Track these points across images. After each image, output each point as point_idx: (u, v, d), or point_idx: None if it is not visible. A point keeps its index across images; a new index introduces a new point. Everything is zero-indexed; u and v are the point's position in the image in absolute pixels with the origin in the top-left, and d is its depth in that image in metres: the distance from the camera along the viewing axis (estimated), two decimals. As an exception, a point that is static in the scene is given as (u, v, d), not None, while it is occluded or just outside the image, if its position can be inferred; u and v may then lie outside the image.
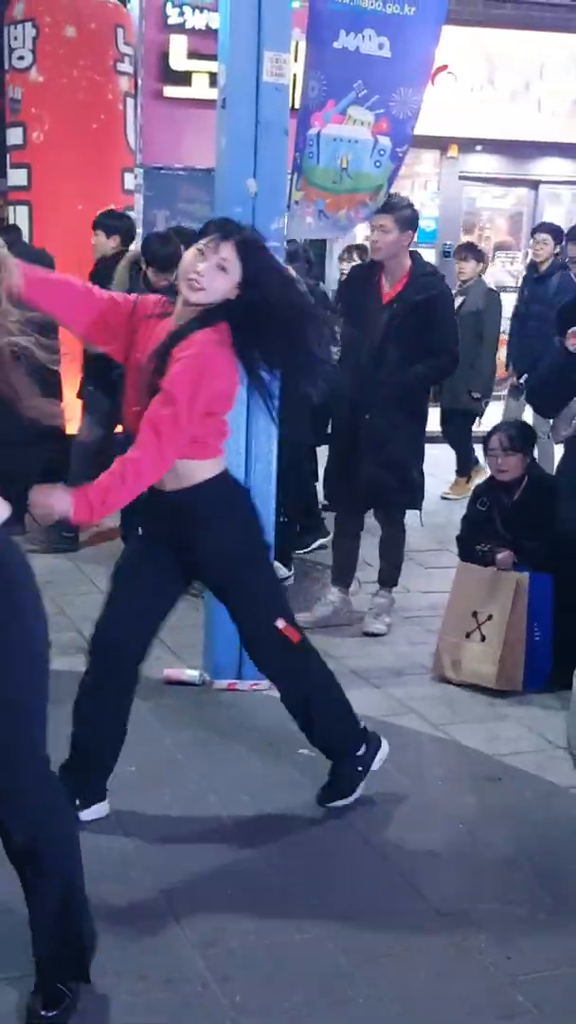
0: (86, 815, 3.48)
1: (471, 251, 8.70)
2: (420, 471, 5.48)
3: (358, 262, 7.72)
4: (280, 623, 3.53)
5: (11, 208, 8.61)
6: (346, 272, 8.24)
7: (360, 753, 3.77)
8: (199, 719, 4.39)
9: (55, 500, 3.02)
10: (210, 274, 3.17)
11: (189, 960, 2.90)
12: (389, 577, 5.66)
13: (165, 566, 3.47)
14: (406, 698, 4.73)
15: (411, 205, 5.22)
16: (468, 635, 4.91)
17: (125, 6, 9.76)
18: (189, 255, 3.22)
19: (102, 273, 6.58)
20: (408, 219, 5.19)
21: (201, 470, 3.32)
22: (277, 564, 4.71)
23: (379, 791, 3.85)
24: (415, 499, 5.50)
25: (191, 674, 4.73)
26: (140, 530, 3.52)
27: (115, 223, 7.25)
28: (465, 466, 8.63)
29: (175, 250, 5.95)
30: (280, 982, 2.85)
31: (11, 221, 8.35)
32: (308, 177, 4.62)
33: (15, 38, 8.47)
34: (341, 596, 5.64)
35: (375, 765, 3.79)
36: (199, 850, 3.45)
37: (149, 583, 3.50)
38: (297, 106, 4.74)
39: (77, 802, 3.38)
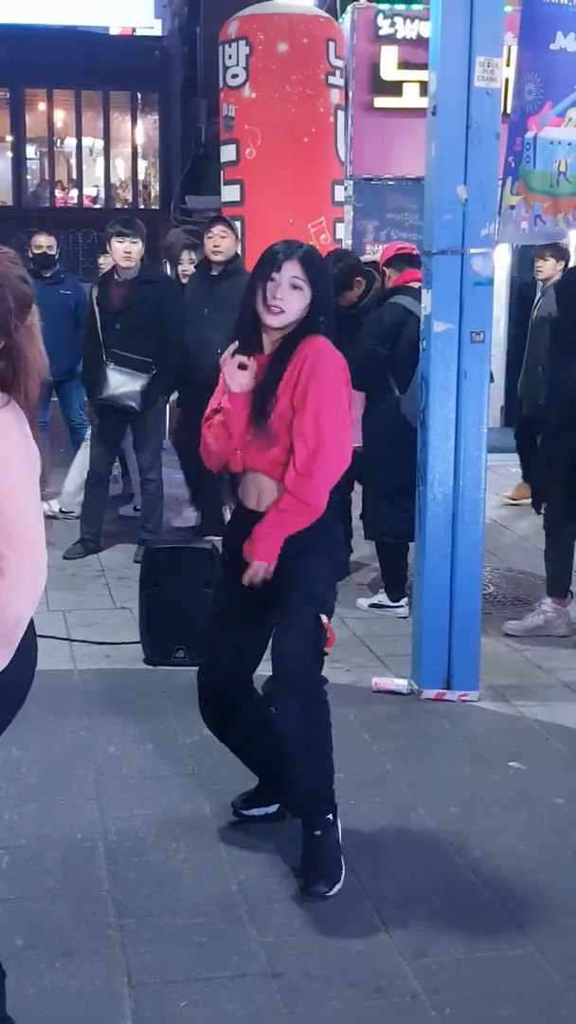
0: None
1: (551, 248, 7.88)
2: None
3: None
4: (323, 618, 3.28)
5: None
6: None
7: (335, 823, 3.35)
8: (407, 728, 4.38)
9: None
10: (287, 295, 3.17)
11: (398, 970, 2.88)
12: None
13: (255, 597, 3.30)
14: (621, 713, 4.59)
15: None
16: None
17: (337, 20, 9.86)
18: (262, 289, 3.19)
19: None
20: None
21: None
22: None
23: (593, 808, 3.76)
24: None
25: (399, 683, 4.71)
26: (227, 557, 3.40)
27: None
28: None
29: (343, 268, 5.93)
30: (490, 997, 2.80)
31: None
32: (526, 181, 4.55)
33: (229, 56, 8.67)
34: (555, 606, 5.51)
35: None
36: (407, 860, 3.44)
37: (248, 617, 3.37)
38: (509, 110, 4.68)
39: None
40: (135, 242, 6.47)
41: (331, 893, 3.20)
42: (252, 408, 3.22)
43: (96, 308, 6.64)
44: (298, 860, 3.32)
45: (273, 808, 3.62)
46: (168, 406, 7.76)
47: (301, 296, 3.20)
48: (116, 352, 6.46)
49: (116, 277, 6.60)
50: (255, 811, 3.62)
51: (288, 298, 3.18)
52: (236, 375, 3.22)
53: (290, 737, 3.25)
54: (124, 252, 6.46)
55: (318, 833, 3.28)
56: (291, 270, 3.18)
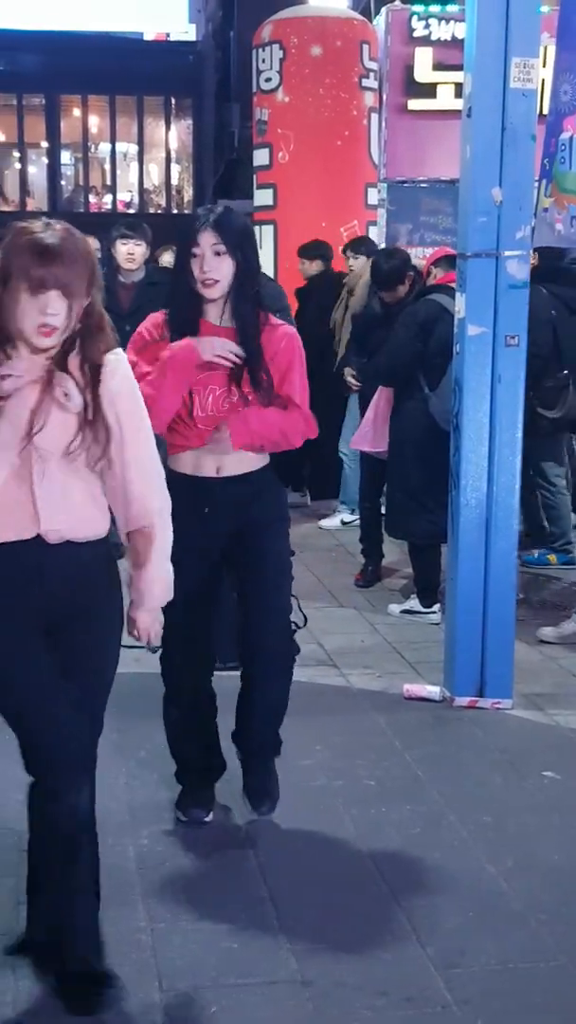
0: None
1: None
2: None
3: None
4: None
5: (256, 227, 8.80)
6: None
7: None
8: (439, 736, 4.34)
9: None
10: (212, 265, 3.29)
11: (430, 980, 2.85)
12: None
13: (212, 568, 3.54)
14: None
15: None
16: None
17: (371, 22, 9.84)
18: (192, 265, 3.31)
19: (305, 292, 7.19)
20: None
21: (263, 456, 3.52)
22: None
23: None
24: None
25: (431, 690, 4.68)
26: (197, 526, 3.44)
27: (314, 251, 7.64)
28: None
29: (396, 265, 5.99)
30: (522, 1009, 2.76)
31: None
32: (560, 183, 4.51)
33: (263, 60, 8.68)
34: None
35: None
36: (439, 868, 3.40)
37: (207, 595, 3.56)
38: (546, 112, 4.64)
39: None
40: (138, 244, 6.50)
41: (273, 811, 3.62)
42: (252, 381, 3.38)
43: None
44: (329, 868, 3.34)
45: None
46: None
47: (227, 261, 3.31)
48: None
49: (121, 279, 6.59)
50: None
51: (215, 267, 3.29)
52: (222, 346, 3.33)
53: (275, 700, 3.61)
54: (127, 254, 6.49)
55: (269, 764, 3.68)
56: (209, 239, 3.28)
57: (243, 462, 3.45)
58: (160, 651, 3.51)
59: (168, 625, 2.92)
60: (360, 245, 7.56)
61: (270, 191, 8.70)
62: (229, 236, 3.30)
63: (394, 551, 6.47)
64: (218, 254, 3.29)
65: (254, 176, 8.99)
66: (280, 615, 3.59)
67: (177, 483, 3.29)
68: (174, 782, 3.73)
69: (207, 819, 3.63)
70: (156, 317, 3.49)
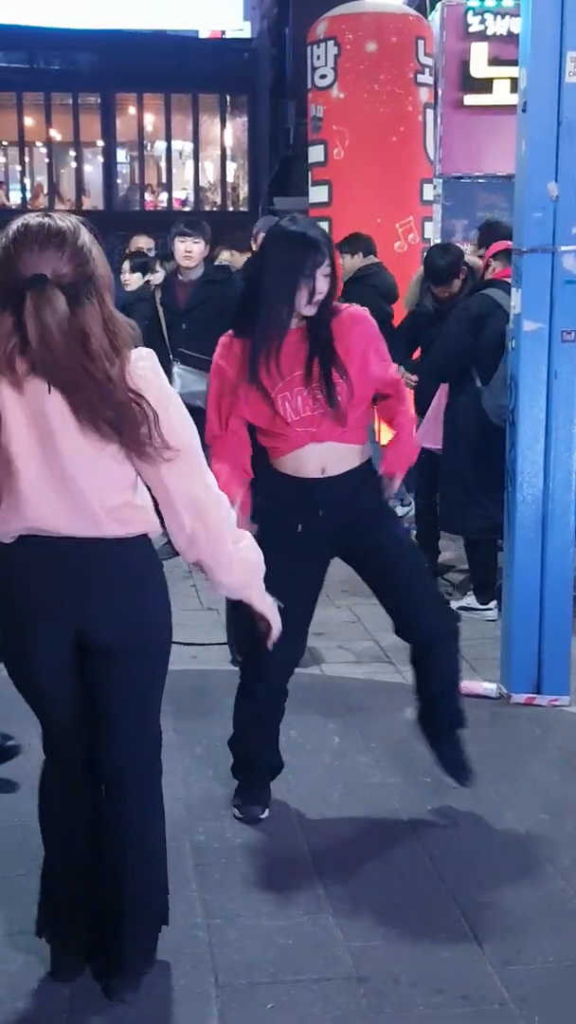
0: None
1: None
2: None
3: None
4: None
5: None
6: None
7: None
8: (496, 733, 4.32)
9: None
10: (322, 287, 3.34)
11: (487, 977, 2.85)
12: None
13: (312, 568, 3.60)
14: None
15: None
16: None
17: (426, 17, 9.81)
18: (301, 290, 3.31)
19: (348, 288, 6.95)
20: None
21: (367, 449, 3.59)
22: None
23: None
24: None
25: (488, 687, 4.66)
26: (300, 527, 3.48)
27: (355, 244, 7.46)
28: None
29: (452, 260, 5.97)
30: (580, 1009, 2.76)
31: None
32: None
33: (318, 57, 8.67)
34: None
35: None
36: (496, 865, 3.40)
37: (310, 594, 3.63)
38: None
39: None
40: (197, 242, 6.46)
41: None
42: (324, 388, 3.35)
43: (160, 308, 6.67)
44: (384, 864, 3.35)
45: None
46: None
47: (329, 280, 3.38)
48: (183, 352, 6.49)
49: (180, 277, 6.61)
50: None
51: (323, 288, 3.35)
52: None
53: (456, 674, 3.71)
54: (185, 251, 6.46)
55: (460, 737, 3.78)
56: (325, 267, 3.34)
57: (345, 460, 3.48)
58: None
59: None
60: (352, 243, 7.50)
61: (325, 188, 8.69)
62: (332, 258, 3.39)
63: (451, 547, 6.44)
64: (326, 276, 3.35)
65: (309, 173, 8.99)
66: (434, 593, 3.78)
67: (281, 484, 3.46)
68: (229, 778, 3.76)
69: (263, 816, 3.65)
70: (229, 343, 3.47)
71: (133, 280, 8.07)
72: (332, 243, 3.51)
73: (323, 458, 3.44)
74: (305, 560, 3.53)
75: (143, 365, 2.46)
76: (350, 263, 7.14)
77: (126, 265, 8.23)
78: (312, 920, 3.09)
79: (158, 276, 7.75)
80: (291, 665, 3.65)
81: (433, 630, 3.64)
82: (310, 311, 3.35)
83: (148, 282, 7.89)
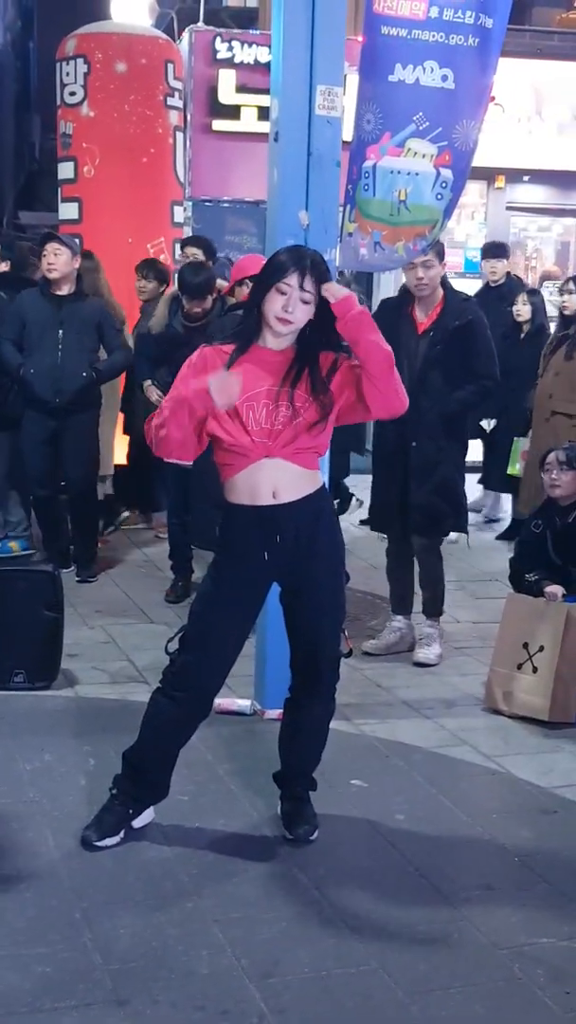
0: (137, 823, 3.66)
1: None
2: (464, 494, 5.66)
3: None
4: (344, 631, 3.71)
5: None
6: None
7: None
8: (251, 749, 4.38)
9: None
10: (297, 309, 3.34)
11: (245, 992, 2.88)
12: (434, 608, 5.64)
13: (261, 594, 3.62)
14: (458, 729, 4.69)
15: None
16: (520, 667, 4.87)
17: (175, 42, 9.89)
18: (272, 297, 3.34)
19: (147, 312, 7.10)
20: (442, 251, 5.40)
21: (317, 477, 3.54)
22: None
23: (432, 824, 3.83)
24: (461, 522, 5.63)
25: (242, 704, 4.72)
26: (266, 555, 3.48)
27: (152, 269, 7.68)
28: None
29: (207, 278, 6.09)
30: (336, 1015, 2.82)
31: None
32: (363, 209, 4.62)
33: (67, 74, 8.61)
34: (406, 622, 5.70)
35: None
36: (253, 880, 3.44)
37: (246, 619, 3.63)
38: (349, 139, 4.76)
39: (130, 811, 3.64)
40: None
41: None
42: (289, 404, 3.37)
43: None
44: (145, 888, 3.30)
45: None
46: None
47: (308, 309, 3.37)
48: None
49: None
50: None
51: (295, 307, 3.35)
52: (228, 388, 3.28)
53: (326, 727, 3.77)
54: None
55: (309, 792, 3.80)
56: (308, 286, 3.34)
57: (296, 485, 3.44)
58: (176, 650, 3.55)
59: (207, 631, 3.26)
60: (150, 268, 7.63)
61: (76, 205, 8.63)
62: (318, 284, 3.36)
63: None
64: (305, 302, 3.35)
65: (59, 189, 8.89)
66: (334, 648, 3.65)
67: (241, 517, 3.44)
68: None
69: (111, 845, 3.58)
70: (203, 352, 3.48)
71: None
72: (326, 272, 3.42)
73: (274, 478, 3.40)
74: (258, 586, 3.58)
75: None
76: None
77: None
78: (70, 945, 3.04)
79: None
80: (220, 677, 3.64)
81: (319, 679, 3.67)
82: (278, 327, 3.36)
83: None
